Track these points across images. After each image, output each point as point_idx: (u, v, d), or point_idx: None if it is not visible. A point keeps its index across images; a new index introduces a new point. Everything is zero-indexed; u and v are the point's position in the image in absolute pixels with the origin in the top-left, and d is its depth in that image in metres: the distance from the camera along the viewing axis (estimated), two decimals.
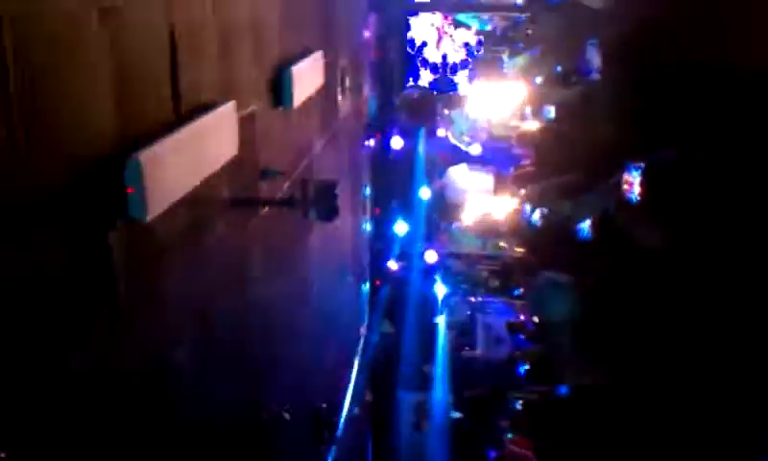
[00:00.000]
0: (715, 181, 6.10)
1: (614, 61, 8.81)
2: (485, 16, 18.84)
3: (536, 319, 12.48)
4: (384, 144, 19.20)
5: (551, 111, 12.26)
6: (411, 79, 19.10)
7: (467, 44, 19.05)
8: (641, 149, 7.32)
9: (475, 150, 19.46)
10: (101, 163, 4.26)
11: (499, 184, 18.26)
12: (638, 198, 6.78)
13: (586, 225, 8.46)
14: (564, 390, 10.41)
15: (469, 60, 19.06)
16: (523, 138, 14.22)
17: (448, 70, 19.21)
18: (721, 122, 6.32)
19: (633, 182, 6.83)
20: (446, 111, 19.35)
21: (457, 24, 19.20)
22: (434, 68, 19.14)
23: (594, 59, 9.48)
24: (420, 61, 19.17)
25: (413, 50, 19.14)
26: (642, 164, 6.71)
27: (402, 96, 18.97)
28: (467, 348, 19.38)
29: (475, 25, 18.93)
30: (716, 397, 6.87)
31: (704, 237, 6.22)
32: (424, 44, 19.24)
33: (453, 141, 19.31)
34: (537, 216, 10.60)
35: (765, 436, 6.29)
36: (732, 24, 6.48)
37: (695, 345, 6.93)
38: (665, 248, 6.80)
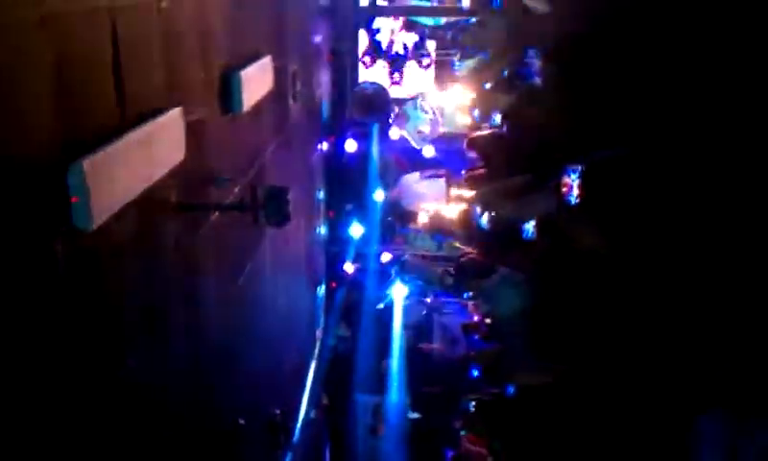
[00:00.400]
0: (649, 180, 6.22)
1: (553, 64, 8.95)
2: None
3: (487, 319, 12.60)
4: (338, 147, 19.23)
5: (497, 117, 12.45)
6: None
7: (415, 44, 19.27)
8: (581, 150, 7.44)
9: (428, 152, 19.58)
10: (43, 172, 4.20)
11: (452, 189, 18.43)
12: (577, 200, 6.87)
13: (530, 226, 8.62)
14: (511, 390, 10.55)
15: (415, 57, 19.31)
16: (474, 143, 14.35)
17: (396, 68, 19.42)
18: (658, 121, 6.45)
19: (571, 185, 6.92)
20: (398, 108, 19.45)
21: (410, 25, 19.39)
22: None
23: (534, 62, 9.66)
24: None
25: (379, 50, 19.27)
26: (579, 167, 6.81)
27: (355, 92, 18.99)
28: (425, 342, 19.51)
29: (429, 22, 19.12)
30: (655, 391, 7.04)
31: (638, 238, 6.35)
32: (379, 44, 19.40)
33: (406, 136, 19.37)
34: (485, 219, 10.72)
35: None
36: (667, 21, 6.59)
37: (634, 343, 7.08)
38: (602, 249, 6.93)
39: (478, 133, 14.52)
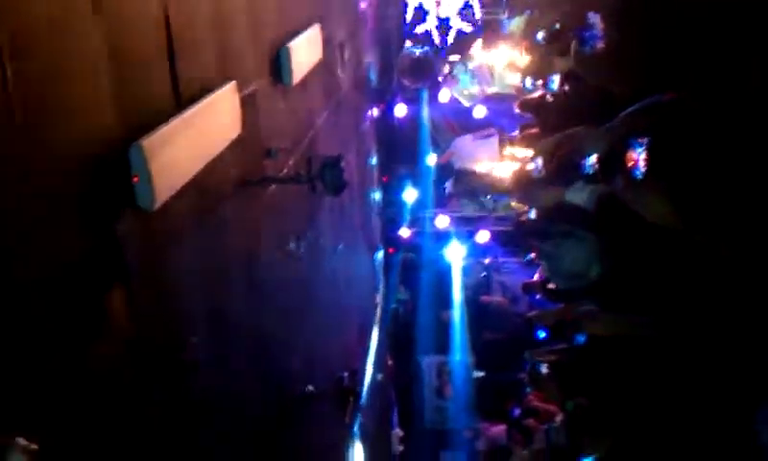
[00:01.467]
0: (718, 147, 6.03)
1: (617, 27, 8.68)
2: None
3: (550, 284, 12.44)
4: (388, 113, 19.19)
5: (555, 81, 12.14)
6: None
7: (462, 5, 18.99)
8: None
9: (479, 112, 19.39)
10: (103, 154, 4.28)
11: (505, 148, 18.22)
12: (643, 173, 6.70)
13: (591, 160, 8.42)
14: (581, 339, 10.44)
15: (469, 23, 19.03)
16: (528, 105, 14.14)
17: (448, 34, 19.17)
18: (728, 84, 6.25)
19: (637, 159, 6.77)
20: (448, 69, 19.25)
21: None
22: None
23: (597, 23, 9.35)
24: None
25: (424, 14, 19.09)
26: (645, 140, 6.64)
27: (401, 57, 18.88)
28: (484, 296, 19.46)
29: None
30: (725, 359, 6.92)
31: (708, 210, 6.17)
32: (426, 12, 19.20)
33: (457, 96, 19.19)
34: (540, 163, 10.53)
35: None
36: None
37: (704, 309, 6.97)
38: (671, 222, 6.78)
39: (531, 95, 14.28)
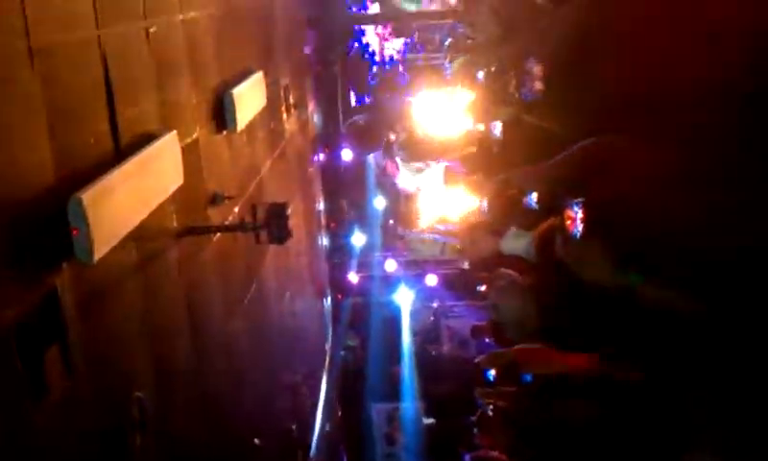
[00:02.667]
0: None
1: (556, 81, 9.02)
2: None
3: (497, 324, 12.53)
4: (334, 157, 19.20)
5: (498, 127, 12.49)
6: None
7: (405, 43, 19.34)
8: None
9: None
10: (42, 207, 4.15)
11: (449, 175, 18.40)
12: (580, 232, 7.10)
13: (533, 197, 8.85)
14: (528, 377, 10.53)
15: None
16: (466, 161, 14.52)
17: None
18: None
19: (575, 218, 7.12)
20: (393, 137, 19.48)
21: (399, 30, 19.41)
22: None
23: (534, 68, 9.66)
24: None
25: (369, 56, 19.33)
26: (582, 199, 6.95)
27: (348, 124, 19.11)
28: (433, 352, 19.43)
29: (412, 7, 19.08)
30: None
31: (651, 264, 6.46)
32: (373, 52, 19.46)
33: (404, 169, 19.47)
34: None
35: None
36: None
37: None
38: (606, 279, 7.09)
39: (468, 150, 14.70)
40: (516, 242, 10.18)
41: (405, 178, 19.42)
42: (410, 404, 18.52)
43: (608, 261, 6.97)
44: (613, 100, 7.66)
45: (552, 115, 9.69)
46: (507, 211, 11.93)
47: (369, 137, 18.98)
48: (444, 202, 18.66)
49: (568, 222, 7.37)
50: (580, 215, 7.15)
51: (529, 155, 10.58)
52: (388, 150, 19.34)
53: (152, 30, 6.02)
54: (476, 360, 14.05)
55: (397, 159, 19.36)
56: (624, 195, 6.91)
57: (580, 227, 7.18)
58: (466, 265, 15.98)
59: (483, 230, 13.87)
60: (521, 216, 10.70)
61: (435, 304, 19.56)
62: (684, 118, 6.31)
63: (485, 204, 13.80)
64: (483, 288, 14.49)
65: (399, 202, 20.05)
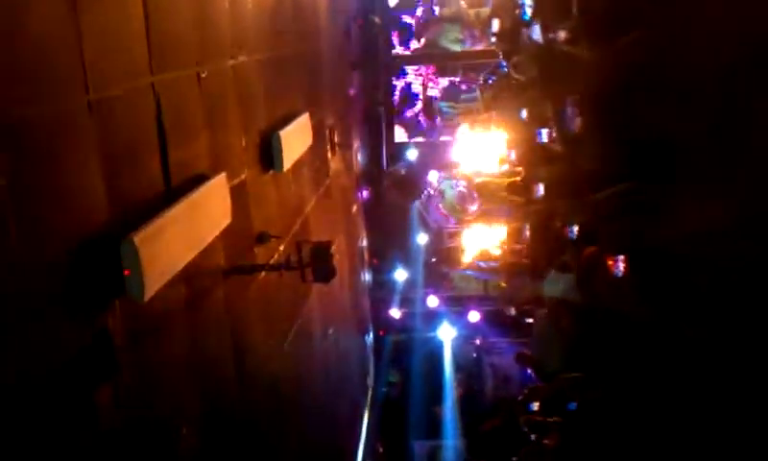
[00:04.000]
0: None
1: (595, 121, 9.26)
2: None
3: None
4: (377, 194, 19.40)
5: (541, 188, 12.85)
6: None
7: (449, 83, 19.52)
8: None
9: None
10: (96, 248, 4.32)
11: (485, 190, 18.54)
12: (622, 273, 7.61)
13: (575, 229, 9.33)
14: (573, 406, 10.69)
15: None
16: (513, 189, 14.77)
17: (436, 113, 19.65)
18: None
19: (617, 259, 7.61)
20: (437, 184, 19.66)
21: (442, 70, 19.60)
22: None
23: (573, 120, 9.91)
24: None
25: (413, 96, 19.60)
26: (625, 253, 7.63)
27: (389, 174, 19.38)
28: (476, 388, 19.33)
29: (457, 47, 19.23)
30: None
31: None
32: (413, 94, 19.69)
33: (444, 212, 19.64)
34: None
35: None
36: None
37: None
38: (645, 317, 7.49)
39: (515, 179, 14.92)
40: (557, 285, 10.31)
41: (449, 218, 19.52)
42: (452, 442, 18.40)
43: (646, 303, 7.25)
44: (651, 142, 7.83)
45: (590, 153, 9.86)
46: (548, 243, 12.08)
47: (409, 187, 19.26)
48: (486, 238, 18.72)
49: (610, 262, 7.69)
50: (621, 256, 7.51)
51: (571, 191, 10.75)
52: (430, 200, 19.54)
53: (203, 75, 6.23)
54: (519, 398, 14.05)
55: (440, 205, 19.51)
56: (668, 242, 7.10)
57: (621, 267, 7.53)
58: (512, 311, 16.07)
59: (523, 273, 14.00)
60: (561, 248, 10.88)
61: (477, 341, 19.49)
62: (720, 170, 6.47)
63: (526, 231, 13.97)
64: (530, 320, 14.59)
65: (442, 238, 20.09)
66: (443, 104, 19.21)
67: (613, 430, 9.12)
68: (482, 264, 18.85)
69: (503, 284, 17.80)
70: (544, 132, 12.61)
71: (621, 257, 7.47)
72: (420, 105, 19.72)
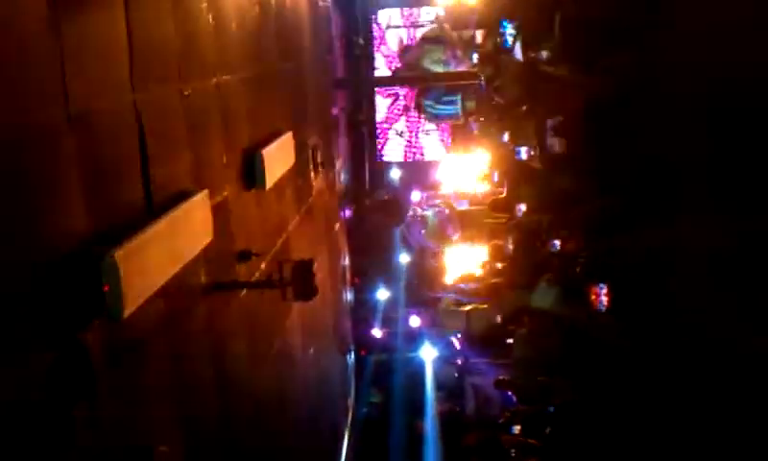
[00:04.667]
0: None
1: (576, 145, 9.54)
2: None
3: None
4: (359, 214, 19.43)
5: (523, 207, 13.06)
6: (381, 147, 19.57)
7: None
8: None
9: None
10: (74, 264, 4.29)
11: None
12: (605, 307, 8.08)
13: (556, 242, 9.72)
14: (551, 409, 10.95)
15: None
16: (497, 206, 14.88)
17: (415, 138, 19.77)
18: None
19: (599, 294, 8.07)
20: (419, 210, 19.69)
21: (427, 89, 19.73)
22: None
23: (554, 141, 10.16)
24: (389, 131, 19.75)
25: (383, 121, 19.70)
26: (607, 281, 8.09)
27: (371, 200, 19.43)
28: (457, 408, 19.27)
29: (439, 68, 19.34)
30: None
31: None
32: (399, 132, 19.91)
33: (426, 238, 19.67)
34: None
35: None
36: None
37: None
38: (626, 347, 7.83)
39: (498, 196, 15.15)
40: (547, 297, 10.47)
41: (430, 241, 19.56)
42: None
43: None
44: (631, 164, 8.01)
45: (571, 173, 10.05)
46: (531, 257, 12.26)
47: (393, 211, 19.35)
48: (468, 258, 18.79)
49: (593, 297, 8.17)
50: (604, 291, 8.01)
51: (552, 208, 11.00)
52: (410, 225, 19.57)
53: (186, 92, 6.24)
54: (500, 420, 14.13)
55: (423, 233, 19.55)
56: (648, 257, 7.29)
57: (604, 301, 8.04)
58: (498, 319, 16.07)
59: (508, 285, 14.10)
60: (545, 263, 11.07)
61: (459, 361, 19.47)
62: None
63: (509, 246, 14.11)
64: (510, 341, 14.64)
65: (425, 257, 20.11)
66: (426, 102, 19.28)
67: (588, 433, 9.32)
68: (464, 286, 18.91)
69: (484, 306, 17.83)
70: (523, 150, 12.83)
71: (604, 291, 7.87)
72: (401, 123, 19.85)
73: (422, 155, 20.03)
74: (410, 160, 19.98)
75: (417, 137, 20.00)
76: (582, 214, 9.46)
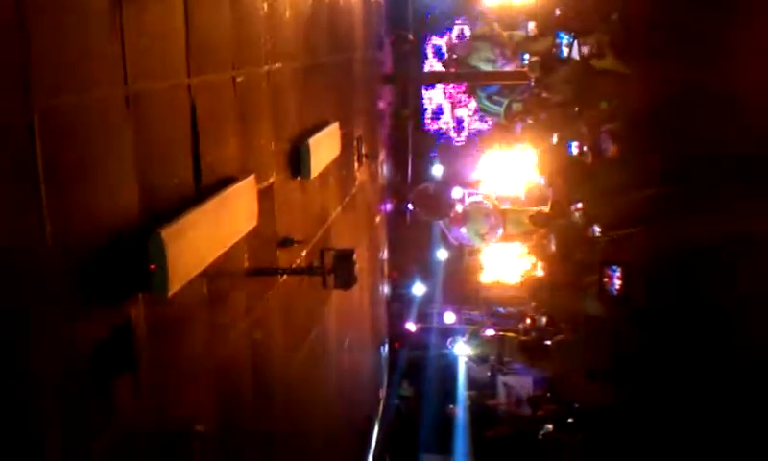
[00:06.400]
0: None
1: (630, 143, 9.62)
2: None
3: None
4: (401, 207, 19.45)
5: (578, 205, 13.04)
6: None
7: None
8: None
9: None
10: (124, 240, 4.42)
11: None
12: (617, 291, 8.35)
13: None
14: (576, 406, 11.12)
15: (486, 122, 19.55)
16: (538, 220, 14.91)
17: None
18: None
19: (613, 277, 8.45)
20: (463, 206, 19.56)
21: (472, 89, 19.62)
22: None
23: (608, 145, 10.16)
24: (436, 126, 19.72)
25: (429, 118, 19.65)
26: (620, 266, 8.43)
27: (416, 191, 19.35)
28: (489, 407, 19.23)
29: (488, 67, 19.18)
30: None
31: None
32: (441, 111, 19.73)
33: (469, 237, 19.50)
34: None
35: None
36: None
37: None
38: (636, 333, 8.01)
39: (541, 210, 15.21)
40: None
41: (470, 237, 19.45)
42: (461, 458, 18.33)
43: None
44: (684, 163, 8.12)
45: (624, 173, 10.09)
46: (571, 242, 12.31)
47: (436, 205, 19.22)
48: (506, 257, 18.76)
49: (606, 279, 8.43)
50: (617, 274, 8.32)
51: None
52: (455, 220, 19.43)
53: (239, 79, 6.35)
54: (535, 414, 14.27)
55: (463, 231, 19.42)
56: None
57: (617, 284, 8.32)
58: (543, 320, 15.99)
59: (551, 285, 14.10)
60: (585, 245, 11.22)
61: (492, 358, 19.42)
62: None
63: (552, 246, 14.12)
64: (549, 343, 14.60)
65: (463, 255, 20.06)
66: (479, 92, 19.16)
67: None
68: (501, 310, 18.92)
69: (513, 335, 17.67)
70: (574, 144, 12.78)
71: (617, 274, 8.15)
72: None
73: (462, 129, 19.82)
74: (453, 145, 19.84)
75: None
76: (629, 205, 9.59)
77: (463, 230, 19.24)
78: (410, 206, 19.24)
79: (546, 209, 15.03)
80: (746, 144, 7.07)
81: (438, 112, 19.81)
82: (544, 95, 15.74)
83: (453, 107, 19.70)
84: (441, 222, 19.58)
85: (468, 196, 19.53)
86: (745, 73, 7.22)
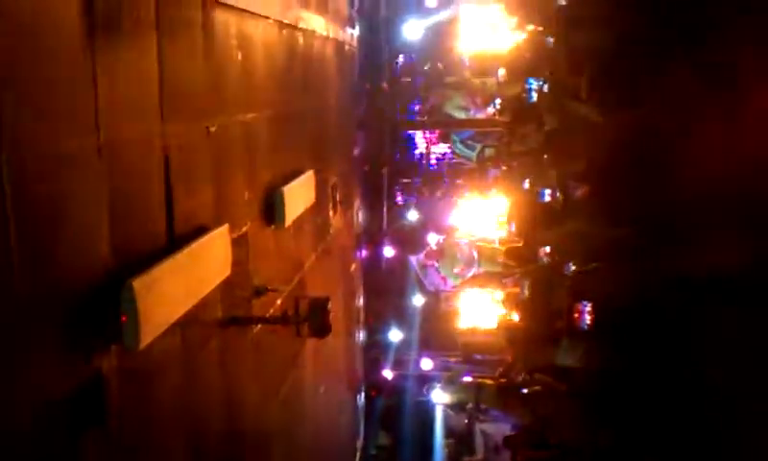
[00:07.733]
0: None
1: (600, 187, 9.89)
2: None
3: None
4: (376, 254, 19.48)
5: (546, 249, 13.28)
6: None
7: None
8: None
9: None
10: (95, 290, 4.35)
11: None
12: (587, 326, 8.60)
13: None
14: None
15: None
16: (510, 254, 15.06)
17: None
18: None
19: (583, 312, 8.31)
20: (438, 242, 19.76)
21: (446, 136, 19.91)
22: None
23: (577, 189, 10.39)
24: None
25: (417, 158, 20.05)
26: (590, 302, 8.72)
27: (392, 228, 19.57)
28: (465, 457, 19.11)
29: (462, 115, 19.52)
30: None
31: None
32: (420, 155, 20.08)
33: (444, 274, 19.74)
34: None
35: None
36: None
37: None
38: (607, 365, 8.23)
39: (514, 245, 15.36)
40: (575, 352, 10.66)
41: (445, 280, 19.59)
42: None
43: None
44: (658, 206, 8.30)
45: (593, 216, 10.27)
46: (547, 303, 12.41)
47: (411, 241, 19.50)
48: (481, 303, 18.85)
49: (576, 315, 8.61)
50: (588, 309, 8.53)
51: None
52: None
53: (212, 128, 6.34)
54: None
55: (436, 265, 19.61)
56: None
57: (587, 320, 8.57)
58: (521, 377, 16.08)
59: (525, 335, 14.23)
60: (557, 287, 11.37)
61: (469, 405, 19.33)
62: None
63: (525, 292, 14.23)
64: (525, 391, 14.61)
65: (439, 301, 20.10)
66: (453, 135, 19.53)
67: None
68: (477, 356, 18.98)
69: (490, 381, 17.71)
70: (547, 192, 12.98)
71: (587, 309, 8.36)
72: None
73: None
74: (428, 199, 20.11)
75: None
76: (597, 246, 9.81)
77: (437, 264, 19.37)
78: (386, 245, 19.39)
79: (520, 244, 15.26)
80: (704, 186, 7.30)
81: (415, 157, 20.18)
82: (514, 144, 16.04)
83: (428, 150, 20.06)
84: (416, 267, 19.66)
85: (444, 240, 19.74)
86: (700, 120, 7.47)
